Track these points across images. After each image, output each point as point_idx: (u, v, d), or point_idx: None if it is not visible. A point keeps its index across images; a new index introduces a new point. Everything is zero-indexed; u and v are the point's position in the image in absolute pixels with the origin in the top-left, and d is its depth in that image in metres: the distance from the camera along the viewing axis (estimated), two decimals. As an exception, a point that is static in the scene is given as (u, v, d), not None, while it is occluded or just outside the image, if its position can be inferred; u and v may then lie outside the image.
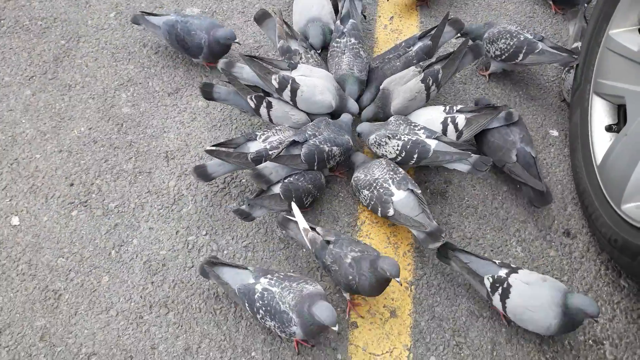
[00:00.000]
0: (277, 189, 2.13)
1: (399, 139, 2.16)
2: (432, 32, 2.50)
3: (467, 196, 2.34)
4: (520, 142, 2.25)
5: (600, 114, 2.26)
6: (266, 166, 2.13)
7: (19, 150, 2.47)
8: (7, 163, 2.43)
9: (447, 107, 2.32)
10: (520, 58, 2.50)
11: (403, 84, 2.35)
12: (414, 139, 2.16)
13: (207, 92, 2.37)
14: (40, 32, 2.92)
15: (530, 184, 2.19)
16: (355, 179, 2.19)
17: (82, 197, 2.33)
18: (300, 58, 2.49)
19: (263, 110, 2.33)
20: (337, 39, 2.57)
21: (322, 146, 2.15)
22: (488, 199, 2.34)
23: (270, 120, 2.37)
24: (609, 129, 2.22)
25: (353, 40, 2.55)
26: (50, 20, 2.98)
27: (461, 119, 2.27)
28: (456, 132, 2.27)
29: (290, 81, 2.28)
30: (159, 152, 2.47)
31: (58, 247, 2.19)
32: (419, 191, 2.07)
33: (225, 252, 2.17)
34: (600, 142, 2.22)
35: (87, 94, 2.68)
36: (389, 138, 2.18)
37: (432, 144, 2.15)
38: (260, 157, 2.14)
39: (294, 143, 2.13)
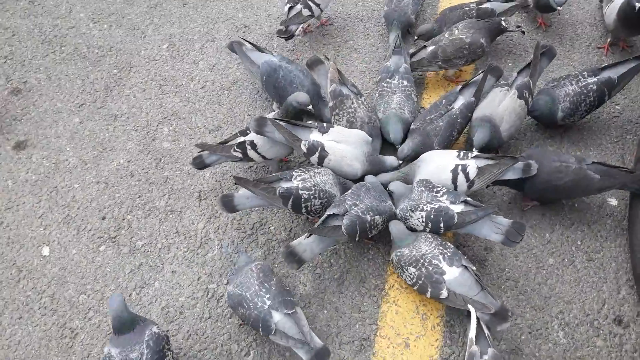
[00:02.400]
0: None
1: (422, 210, 2.03)
2: (473, 83, 2.45)
3: (508, 267, 2.16)
4: (579, 161, 2.18)
5: (665, 188, 2.03)
6: (300, 243, 2.01)
7: (60, 179, 2.52)
8: (47, 190, 2.48)
9: (462, 153, 2.19)
10: None
11: (498, 107, 2.31)
12: (436, 206, 2.02)
13: (199, 163, 2.36)
14: (95, 60, 3.00)
15: (628, 180, 2.14)
16: (399, 254, 1.99)
17: (111, 232, 2.33)
18: (352, 103, 2.42)
19: (252, 123, 2.24)
20: (388, 80, 2.55)
21: (364, 216, 2.02)
22: (531, 272, 2.15)
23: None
24: (674, 207, 1.99)
25: (406, 82, 2.54)
26: (106, 48, 3.06)
27: (472, 168, 2.13)
28: (467, 181, 2.14)
29: (319, 149, 2.21)
30: (192, 191, 2.44)
31: (82, 282, 2.19)
32: (474, 267, 1.92)
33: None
34: (663, 220, 1.99)
35: (131, 126, 2.70)
36: (412, 211, 2.05)
37: (457, 208, 2.01)
38: (289, 194, 2.06)
39: (332, 216, 2.02)
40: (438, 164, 2.20)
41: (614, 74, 2.44)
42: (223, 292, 2.13)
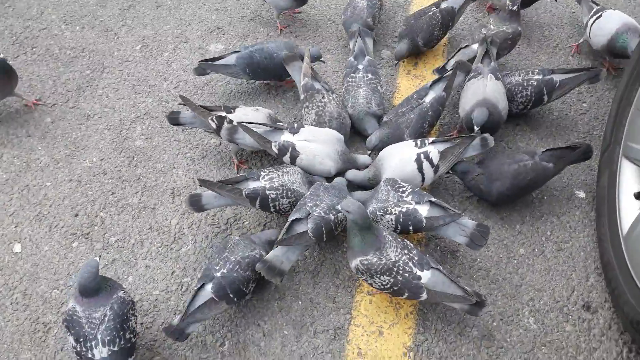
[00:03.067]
0: (209, 290, 1.91)
1: (391, 213, 2.06)
2: (443, 79, 2.48)
3: (479, 257, 2.20)
4: (532, 155, 2.25)
5: (629, 179, 2.09)
6: (275, 255, 1.98)
7: (31, 177, 2.49)
8: (18, 189, 2.44)
9: (419, 141, 2.24)
10: None
11: (486, 90, 2.36)
12: (404, 210, 2.04)
13: (174, 119, 2.42)
14: (67, 61, 2.98)
15: (579, 155, 2.25)
16: (367, 262, 1.87)
17: (84, 229, 2.30)
18: (323, 97, 2.45)
19: (224, 131, 2.29)
20: (352, 74, 2.61)
21: (327, 216, 2.02)
22: (502, 262, 2.19)
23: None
24: (638, 196, 2.04)
25: (370, 75, 2.59)
26: (79, 50, 3.04)
27: (434, 153, 2.20)
28: (432, 167, 2.19)
29: (290, 148, 2.23)
30: (165, 188, 2.43)
31: (54, 278, 2.16)
32: (440, 266, 1.92)
33: (218, 298, 2.08)
34: (629, 210, 2.04)
35: (104, 125, 2.69)
36: (383, 214, 2.07)
37: (424, 210, 2.04)
38: (256, 195, 2.07)
39: (295, 221, 2.01)
40: (401, 157, 2.23)
41: (557, 77, 2.51)
42: (197, 286, 2.12)
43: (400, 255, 1.88)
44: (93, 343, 1.72)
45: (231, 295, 1.90)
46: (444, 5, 2.85)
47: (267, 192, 2.08)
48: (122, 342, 1.74)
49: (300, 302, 2.07)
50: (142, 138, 2.63)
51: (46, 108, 2.76)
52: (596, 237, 2.23)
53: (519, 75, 2.55)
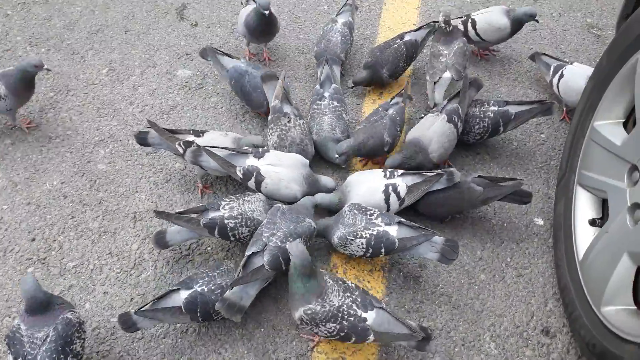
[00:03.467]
0: (181, 299, 1.90)
1: (361, 237, 2.07)
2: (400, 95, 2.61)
3: (441, 283, 2.22)
4: (467, 175, 2.32)
5: (584, 206, 2.16)
6: (233, 292, 1.93)
7: (-13, 200, 2.42)
8: (-28, 212, 2.37)
9: (388, 172, 2.29)
10: None
11: (428, 130, 2.42)
12: (375, 232, 2.06)
13: (142, 139, 2.41)
14: (31, 83, 2.93)
15: (510, 191, 2.27)
16: (310, 312, 1.79)
17: (41, 254, 2.24)
18: (289, 121, 2.48)
19: (188, 154, 2.28)
20: (318, 102, 2.65)
21: (284, 245, 1.97)
22: (464, 287, 2.21)
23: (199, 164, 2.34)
24: (592, 222, 2.11)
25: (335, 103, 2.64)
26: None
27: (402, 187, 2.24)
28: (398, 200, 2.24)
29: (254, 173, 2.24)
30: (127, 212, 2.40)
31: (7, 305, 2.08)
32: (383, 305, 1.87)
33: (178, 325, 2.04)
34: (584, 236, 2.11)
35: (66, 148, 2.65)
36: (353, 239, 2.08)
37: (394, 231, 2.06)
38: (213, 224, 2.06)
39: (252, 255, 1.97)
40: (368, 186, 2.26)
41: (513, 109, 2.60)
42: (157, 313, 2.07)
43: (343, 299, 1.81)
44: None
45: (198, 314, 1.88)
46: (407, 38, 2.93)
47: (226, 221, 2.07)
48: None
49: (262, 329, 2.05)
50: (105, 161, 2.59)
51: (6, 130, 2.70)
52: (554, 263, 2.28)
53: (476, 107, 2.63)
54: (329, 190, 2.36)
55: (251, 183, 2.25)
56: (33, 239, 2.29)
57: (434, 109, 2.59)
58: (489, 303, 2.17)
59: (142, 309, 1.85)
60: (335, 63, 2.82)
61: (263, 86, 2.64)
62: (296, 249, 1.77)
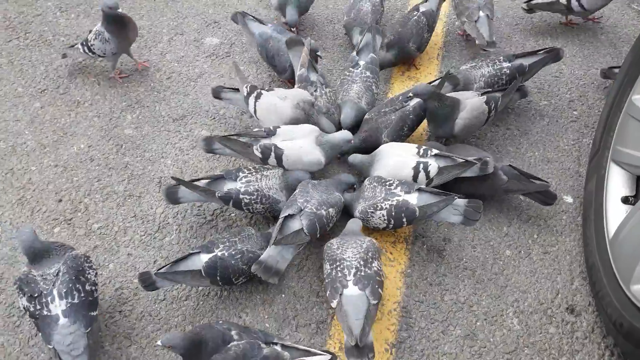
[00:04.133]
0: (202, 262, 1.91)
1: (381, 209, 2.04)
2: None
3: (465, 257, 2.18)
4: (499, 160, 2.27)
5: (617, 183, 2.10)
6: (270, 255, 1.95)
7: (16, 161, 2.45)
8: (1, 172, 2.41)
9: (422, 150, 2.20)
10: None
11: (466, 99, 2.35)
12: (394, 202, 2.03)
13: (217, 92, 2.49)
14: (61, 48, 2.95)
15: (535, 189, 2.22)
16: (330, 244, 1.96)
17: (67, 215, 2.27)
18: (315, 90, 2.45)
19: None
20: (351, 69, 2.59)
21: (319, 212, 2.00)
22: (488, 262, 2.18)
23: (255, 114, 2.40)
24: (625, 200, 2.05)
25: (368, 73, 2.56)
26: (72, 37, 3.02)
27: (434, 168, 2.16)
28: (427, 179, 2.17)
29: (272, 148, 2.19)
30: (152, 177, 2.41)
31: (34, 263, 2.12)
32: (376, 302, 1.80)
33: (200, 287, 2.05)
34: (615, 214, 2.04)
35: (94, 112, 2.67)
36: (373, 211, 2.06)
37: (414, 199, 2.03)
38: (229, 198, 2.05)
39: (288, 218, 1.99)
40: (398, 160, 2.21)
41: (526, 62, 2.59)
42: (179, 275, 2.09)
43: (354, 257, 1.89)
44: (49, 298, 1.70)
45: (218, 278, 1.89)
46: (423, 9, 2.84)
47: (241, 196, 2.06)
48: (82, 295, 1.73)
49: (283, 296, 2.05)
50: (132, 127, 2.61)
51: (35, 93, 2.73)
52: (582, 241, 2.23)
53: (489, 66, 2.58)
54: (346, 142, 2.28)
55: (272, 160, 2.21)
56: (60, 200, 2.32)
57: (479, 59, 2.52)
58: (514, 279, 2.13)
59: (161, 270, 1.87)
60: (378, 33, 2.72)
61: (288, 52, 2.61)
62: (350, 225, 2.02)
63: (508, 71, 2.56)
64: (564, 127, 2.71)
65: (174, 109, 2.69)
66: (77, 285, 1.72)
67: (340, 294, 1.80)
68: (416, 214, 2.02)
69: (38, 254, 1.76)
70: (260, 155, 2.21)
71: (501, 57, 2.61)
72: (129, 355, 1.89)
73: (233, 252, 1.92)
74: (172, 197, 2.12)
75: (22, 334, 1.93)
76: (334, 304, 1.80)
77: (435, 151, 2.21)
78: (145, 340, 1.92)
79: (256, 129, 2.31)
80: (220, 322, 1.75)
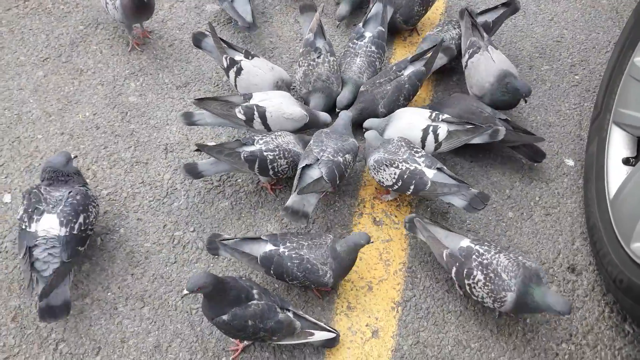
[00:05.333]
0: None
1: (397, 167, 2.06)
2: (425, 56, 2.43)
3: (469, 219, 2.23)
4: (493, 113, 2.30)
5: (618, 145, 2.13)
6: (295, 201, 2.01)
7: (22, 129, 2.46)
8: (8, 140, 2.42)
9: (434, 114, 2.22)
10: None
11: (498, 62, 2.36)
12: (412, 168, 2.05)
13: (198, 41, 2.49)
14: (61, 16, 2.94)
15: (530, 141, 2.30)
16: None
17: (76, 182, 2.29)
18: (319, 56, 2.43)
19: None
20: (355, 40, 2.55)
21: (336, 159, 2.05)
22: (491, 224, 2.22)
23: (236, 87, 2.43)
24: (626, 161, 2.09)
25: (373, 47, 2.52)
26: (72, 5, 3.00)
27: (443, 131, 2.18)
28: (435, 143, 2.18)
29: (254, 107, 2.21)
30: (158, 144, 2.43)
31: (45, 229, 2.15)
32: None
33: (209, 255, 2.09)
34: (616, 175, 2.09)
35: (97, 80, 2.67)
36: (387, 166, 2.08)
37: (430, 174, 2.04)
38: (254, 157, 2.07)
39: (306, 167, 2.04)
40: (410, 121, 2.23)
41: (489, 18, 2.65)
42: (189, 239, 2.13)
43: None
44: (41, 216, 1.81)
45: (272, 272, 1.88)
46: None
47: (265, 153, 2.08)
48: (74, 229, 1.83)
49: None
50: (136, 94, 2.61)
51: (38, 61, 2.73)
52: (583, 203, 2.27)
53: (455, 28, 2.60)
54: (324, 124, 2.35)
55: (256, 119, 2.22)
56: (68, 168, 2.34)
57: (469, 46, 2.44)
58: (516, 240, 2.18)
59: (229, 241, 1.90)
60: (390, 3, 2.66)
61: (300, 17, 2.59)
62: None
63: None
64: (565, 91, 2.73)
65: (177, 76, 2.69)
66: (75, 219, 1.83)
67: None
68: (426, 187, 2.03)
69: (59, 174, 1.90)
70: (243, 117, 2.23)
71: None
72: (142, 316, 1.94)
73: (293, 255, 1.86)
74: (193, 172, 2.12)
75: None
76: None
77: (446, 116, 2.22)
78: (158, 302, 1.97)
79: (232, 94, 2.36)
80: (244, 278, 1.80)
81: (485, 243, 1.87)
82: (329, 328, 1.83)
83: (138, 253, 2.10)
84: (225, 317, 1.68)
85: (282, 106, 2.23)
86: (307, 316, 1.83)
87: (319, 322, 1.83)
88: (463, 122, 2.19)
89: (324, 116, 2.36)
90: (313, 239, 1.91)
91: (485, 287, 1.79)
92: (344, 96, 2.46)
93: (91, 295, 1.99)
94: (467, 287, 1.84)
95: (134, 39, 2.78)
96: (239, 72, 2.38)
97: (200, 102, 2.23)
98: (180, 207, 2.23)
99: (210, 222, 2.18)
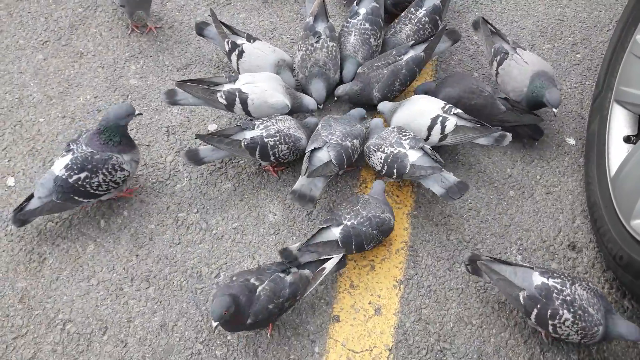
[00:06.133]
0: (336, 234, 1.93)
1: (383, 152, 2.07)
2: (427, 41, 2.39)
3: (470, 198, 2.24)
4: (493, 92, 2.30)
5: (619, 123, 2.14)
6: (302, 184, 2.04)
7: (24, 113, 2.47)
8: (10, 124, 2.43)
9: (447, 107, 2.18)
10: None
11: (533, 64, 2.32)
12: (395, 151, 2.05)
13: (200, 29, 2.51)
14: (59, -2, 2.92)
15: (529, 121, 2.32)
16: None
17: (79, 164, 2.30)
18: (317, 41, 2.41)
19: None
20: (349, 19, 2.54)
21: (345, 143, 2.08)
22: (492, 203, 2.24)
23: (238, 70, 2.43)
24: (627, 139, 2.09)
25: (367, 25, 2.49)
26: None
27: (451, 123, 2.14)
28: (441, 134, 2.16)
29: (237, 93, 2.20)
30: (160, 126, 2.43)
31: (49, 210, 2.17)
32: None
33: (214, 231, 2.12)
34: (617, 153, 2.10)
35: (98, 63, 2.66)
36: (375, 150, 2.10)
37: (413, 156, 2.04)
38: (255, 144, 2.08)
39: (314, 151, 2.06)
40: (422, 108, 2.21)
41: (436, 1, 2.56)
42: (193, 221, 2.15)
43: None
44: (65, 155, 2.00)
45: (353, 246, 1.92)
46: None
47: (265, 139, 2.09)
48: (71, 177, 1.95)
49: (294, 237, 2.11)
50: (137, 77, 2.61)
51: (37, 45, 2.72)
52: (584, 181, 2.28)
53: (407, 24, 2.55)
54: (308, 110, 2.34)
55: (237, 105, 2.22)
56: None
57: (496, 54, 2.38)
58: (517, 218, 2.20)
59: (302, 247, 1.90)
60: None
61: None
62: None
63: (427, 18, 2.52)
64: (567, 70, 2.72)
65: (177, 58, 2.69)
66: (79, 171, 1.96)
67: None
68: (406, 170, 2.03)
69: (109, 132, 1.99)
70: (225, 102, 2.22)
71: (412, 9, 2.56)
72: (148, 296, 1.96)
73: (361, 220, 1.93)
74: (195, 159, 2.12)
75: (44, 279, 2.00)
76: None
77: (459, 110, 2.18)
78: (163, 282, 2.00)
79: (217, 76, 2.33)
80: (234, 278, 1.79)
81: (555, 274, 1.79)
82: (333, 255, 1.89)
83: (142, 234, 2.11)
84: (249, 321, 1.71)
85: (265, 94, 2.22)
86: (308, 255, 1.88)
87: (322, 255, 1.89)
88: (474, 120, 2.15)
89: (308, 102, 2.33)
90: (358, 202, 2.00)
91: (575, 326, 1.71)
92: (348, 71, 2.47)
93: (97, 276, 2.01)
94: (551, 328, 1.76)
95: (133, 22, 2.77)
96: (240, 54, 2.38)
97: (183, 84, 2.22)
98: (183, 188, 2.24)
99: (213, 203, 2.20)
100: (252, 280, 1.75)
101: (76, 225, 2.13)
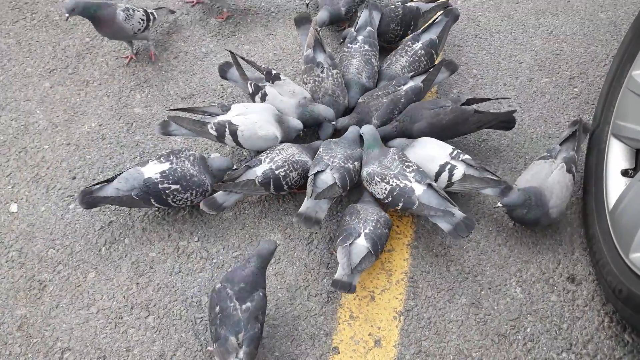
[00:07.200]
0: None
1: (388, 183, 2.08)
2: (427, 72, 2.45)
3: (470, 229, 2.25)
4: (457, 95, 2.39)
5: (617, 157, 2.16)
6: (308, 207, 2.07)
7: (29, 140, 2.50)
8: (15, 151, 2.46)
9: (456, 152, 2.20)
10: None
11: (547, 179, 2.15)
12: (402, 185, 2.06)
13: (223, 71, 2.49)
14: (67, 28, 2.98)
15: (503, 118, 2.42)
16: (352, 204, 2.14)
17: (82, 192, 2.32)
18: (322, 71, 2.46)
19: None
20: (349, 44, 2.61)
21: (347, 165, 2.11)
22: (492, 234, 2.25)
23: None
24: (624, 173, 2.12)
25: (367, 47, 2.58)
26: (79, 17, 3.03)
27: (459, 172, 2.14)
28: (448, 181, 2.16)
29: (227, 125, 2.23)
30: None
31: (50, 238, 2.18)
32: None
33: (214, 260, 2.13)
34: (615, 186, 2.11)
35: (103, 92, 2.71)
36: (379, 181, 2.10)
37: (420, 191, 2.04)
38: (268, 180, 2.10)
39: (317, 174, 2.08)
40: (430, 153, 2.21)
41: (433, 35, 2.63)
42: (193, 249, 2.16)
43: (399, 169, 2.12)
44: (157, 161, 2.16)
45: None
46: (410, 4, 2.82)
47: (276, 171, 2.11)
48: (157, 182, 2.08)
49: (294, 267, 2.12)
50: (142, 105, 2.65)
51: (44, 73, 2.77)
52: (582, 213, 2.30)
53: (403, 55, 2.60)
54: (297, 131, 2.37)
55: (227, 137, 2.25)
56: (74, 177, 2.37)
57: (547, 154, 2.28)
58: (516, 250, 2.21)
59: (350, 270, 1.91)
60: (375, 9, 2.73)
61: (297, 30, 2.64)
62: (368, 128, 2.21)
63: (423, 51, 2.58)
64: (564, 103, 2.76)
65: (182, 87, 2.73)
66: (168, 181, 2.09)
67: (351, 243, 1.95)
68: (413, 207, 2.03)
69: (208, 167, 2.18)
70: (215, 134, 2.25)
71: (408, 42, 2.62)
72: (147, 325, 1.96)
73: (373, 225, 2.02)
74: (214, 206, 2.11)
75: (44, 306, 2.00)
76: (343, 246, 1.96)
77: (467, 157, 2.19)
78: (163, 311, 2.00)
79: (210, 105, 2.37)
80: (218, 286, 1.78)
81: None
82: None
83: (143, 262, 2.12)
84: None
85: (255, 126, 2.24)
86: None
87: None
88: (483, 169, 2.15)
89: (294, 125, 2.34)
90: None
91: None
92: (351, 97, 2.52)
93: (97, 304, 2.01)
94: None
95: (132, 54, 2.82)
96: (263, 97, 2.39)
97: (175, 117, 2.27)
98: (184, 216, 2.26)
99: (214, 231, 2.21)
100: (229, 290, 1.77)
101: (77, 253, 2.14)
